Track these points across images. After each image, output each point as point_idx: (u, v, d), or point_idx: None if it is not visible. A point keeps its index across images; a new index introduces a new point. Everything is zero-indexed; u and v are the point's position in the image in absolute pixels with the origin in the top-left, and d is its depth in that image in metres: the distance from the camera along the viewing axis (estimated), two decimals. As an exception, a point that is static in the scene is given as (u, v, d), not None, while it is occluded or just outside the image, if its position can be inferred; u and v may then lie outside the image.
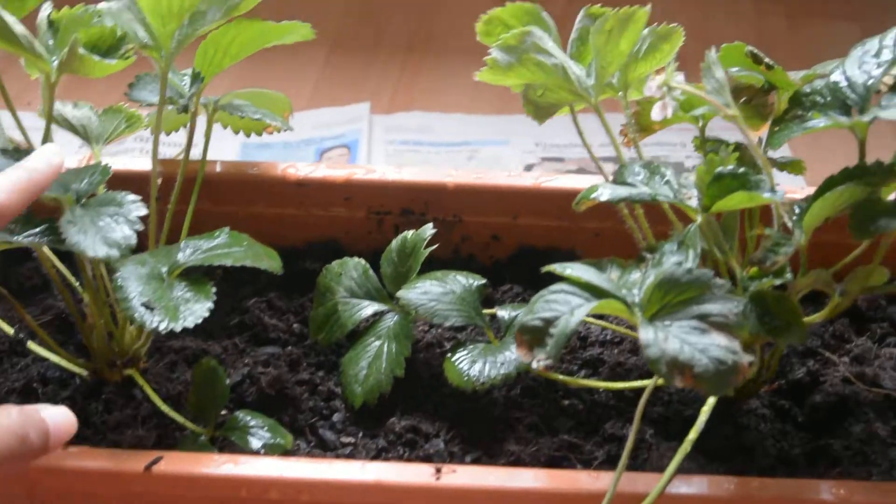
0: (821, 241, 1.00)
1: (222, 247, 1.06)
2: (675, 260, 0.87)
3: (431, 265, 1.19)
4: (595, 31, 0.95)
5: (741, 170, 0.89)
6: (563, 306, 0.86)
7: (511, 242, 1.30)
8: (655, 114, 0.93)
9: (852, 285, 0.98)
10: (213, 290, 1.02)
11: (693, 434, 0.94)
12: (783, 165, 1.10)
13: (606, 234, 1.27)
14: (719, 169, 0.89)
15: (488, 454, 1.06)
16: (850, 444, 1.05)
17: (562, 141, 1.92)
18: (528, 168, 1.87)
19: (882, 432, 1.06)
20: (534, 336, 0.86)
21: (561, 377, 1.11)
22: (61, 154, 1.00)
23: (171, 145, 1.41)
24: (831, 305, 0.99)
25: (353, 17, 2.34)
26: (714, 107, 0.93)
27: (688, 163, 1.87)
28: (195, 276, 1.04)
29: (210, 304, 1.01)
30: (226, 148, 1.28)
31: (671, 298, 0.83)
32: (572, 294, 0.86)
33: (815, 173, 1.53)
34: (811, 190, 1.24)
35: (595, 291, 0.86)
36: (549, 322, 0.86)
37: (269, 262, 1.05)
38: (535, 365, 0.85)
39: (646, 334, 0.81)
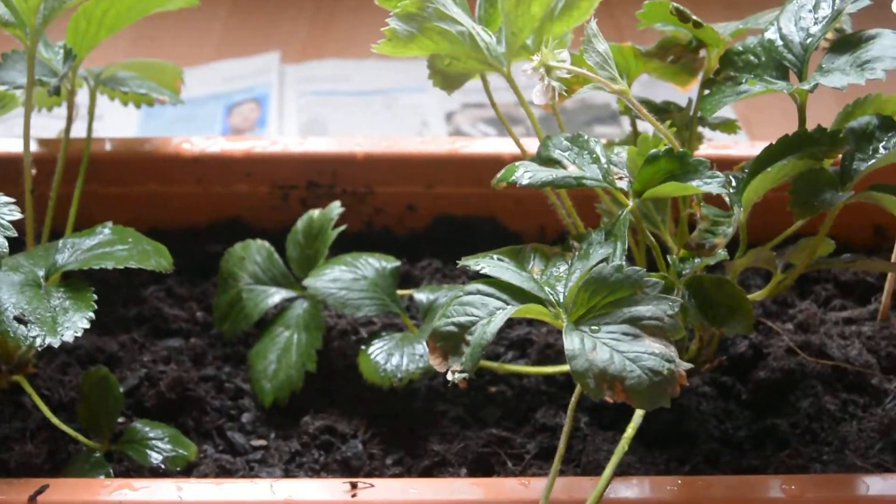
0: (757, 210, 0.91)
1: (104, 245, 0.96)
2: (602, 253, 0.78)
3: (342, 241, 1.09)
4: (504, -7, 0.85)
5: (677, 151, 0.80)
6: (480, 310, 0.77)
7: (427, 212, 1.21)
8: (536, 97, 0.84)
9: (797, 259, 0.90)
10: (94, 297, 0.92)
11: (631, 430, 0.86)
12: (716, 126, 1.01)
13: (528, 199, 1.17)
14: (653, 151, 0.80)
15: (411, 454, 0.98)
16: (797, 421, 0.98)
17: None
18: (449, 115, 1.77)
19: (831, 406, 0.99)
20: (448, 343, 0.77)
21: (487, 362, 1.02)
22: None
23: (60, 118, 1.30)
24: (774, 282, 0.91)
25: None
26: (600, 83, 0.84)
27: (615, 103, 1.78)
28: (75, 280, 0.94)
29: (91, 315, 0.91)
30: (125, 110, 1.18)
31: (599, 300, 0.75)
32: (489, 296, 0.77)
33: (753, 126, 1.45)
34: (745, 145, 1.16)
35: (515, 292, 0.77)
36: (463, 328, 0.77)
37: (158, 260, 0.95)
38: (450, 377, 0.76)
39: (571, 343, 0.73)
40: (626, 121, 1.77)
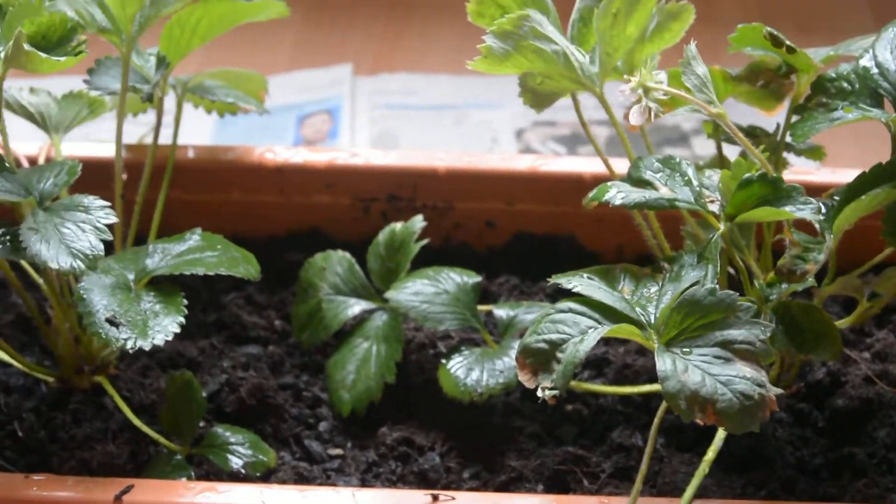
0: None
1: (194, 251, 0.98)
2: (694, 275, 0.78)
3: (420, 255, 1.10)
4: (599, 14, 0.86)
5: (771, 177, 0.80)
6: (572, 328, 0.78)
7: (507, 229, 1.21)
8: (634, 118, 0.84)
9: (883, 288, 0.90)
10: (185, 301, 0.94)
11: (711, 453, 0.86)
12: (802, 151, 1.01)
13: (609, 218, 1.17)
14: (747, 175, 0.80)
15: (488, 469, 0.99)
16: (874, 451, 0.98)
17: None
18: (519, 133, 1.78)
19: (909, 437, 0.99)
20: (538, 360, 0.78)
21: (563, 381, 1.03)
22: None
23: (143, 124, 1.33)
24: (860, 310, 0.91)
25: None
26: (697, 106, 0.85)
27: (685, 125, 1.78)
28: (165, 284, 0.96)
29: (181, 319, 0.92)
30: (200, 117, 1.21)
31: (691, 322, 0.75)
32: (581, 315, 0.78)
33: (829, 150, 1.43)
34: (826, 172, 1.16)
35: (607, 312, 0.78)
36: (555, 345, 0.78)
37: (246, 268, 0.96)
38: (540, 393, 0.77)
39: (663, 364, 0.73)
40: (696, 143, 1.78)
